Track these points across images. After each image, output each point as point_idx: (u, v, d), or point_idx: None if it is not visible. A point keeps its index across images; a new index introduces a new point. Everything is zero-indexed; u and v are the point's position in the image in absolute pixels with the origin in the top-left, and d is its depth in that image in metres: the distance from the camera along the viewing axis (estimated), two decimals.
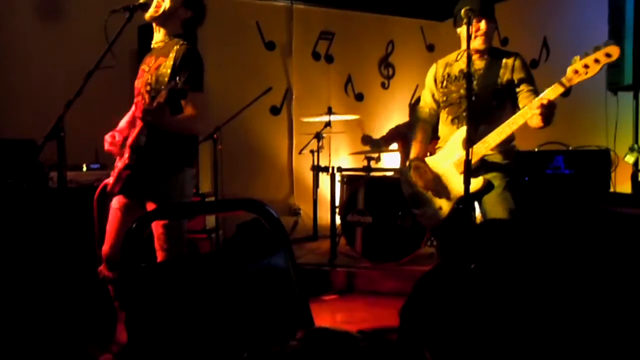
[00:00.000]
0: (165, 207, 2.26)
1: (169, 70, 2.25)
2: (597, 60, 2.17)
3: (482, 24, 2.50)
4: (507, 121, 2.36)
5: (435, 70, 2.70)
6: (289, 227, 5.26)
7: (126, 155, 2.30)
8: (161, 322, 1.27)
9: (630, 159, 3.47)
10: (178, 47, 2.30)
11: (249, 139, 5.14)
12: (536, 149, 3.77)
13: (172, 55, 2.28)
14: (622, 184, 3.64)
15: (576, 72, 2.20)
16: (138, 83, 2.44)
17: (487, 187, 2.43)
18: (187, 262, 1.77)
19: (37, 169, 3.42)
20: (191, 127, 2.36)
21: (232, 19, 5.01)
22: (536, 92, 2.44)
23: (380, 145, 4.86)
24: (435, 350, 1.19)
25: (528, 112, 2.29)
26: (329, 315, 3.41)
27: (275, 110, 5.42)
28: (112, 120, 4.03)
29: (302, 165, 5.35)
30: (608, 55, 2.16)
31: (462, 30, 2.54)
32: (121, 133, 2.41)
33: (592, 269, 1.33)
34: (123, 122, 2.49)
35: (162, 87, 2.18)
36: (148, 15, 2.35)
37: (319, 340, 1.13)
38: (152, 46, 2.47)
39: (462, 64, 2.54)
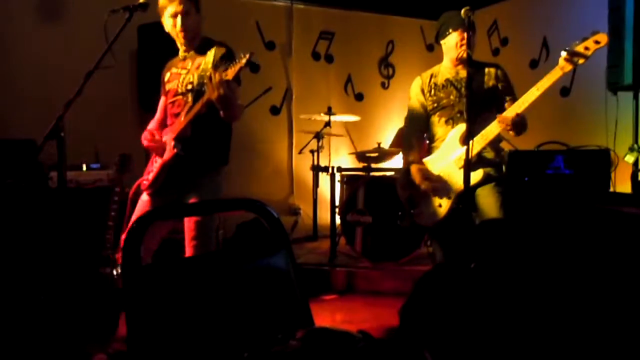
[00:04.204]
0: (165, 207, 2.27)
1: (209, 65, 2.29)
2: (587, 48, 2.33)
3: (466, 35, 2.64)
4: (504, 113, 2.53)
5: (421, 81, 2.86)
6: (289, 227, 5.25)
7: (171, 144, 2.38)
8: (161, 322, 1.27)
9: (630, 158, 3.47)
10: (216, 48, 2.33)
11: (249, 139, 5.13)
12: (536, 149, 3.77)
13: (210, 53, 2.32)
14: (622, 184, 3.64)
15: (568, 60, 2.36)
16: (174, 84, 2.49)
17: (487, 179, 2.60)
18: (187, 262, 1.78)
19: (37, 169, 3.43)
20: (238, 112, 2.44)
21: (232, 19, 5.00)
22: (516, 98, 2.62)
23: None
24: (435, 350, 1.19)
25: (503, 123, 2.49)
26: (329, 315, 3.41)
27: (275, 110, 5.42)
28: (112, 120, 4.03)
29: (302, 165, 5.35)
30: (597, 42, 2.32)
31: (446, 41, 2.72)
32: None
33: (592, 268, 1.33)
34: (152, 125, 2.60)
35: (205, 81, 2.26)
36: (181, 42, 2.46)
37: (319, 340, 1.13)
38: (181, 55, 2.52)
39: (447, 74, 2.77)
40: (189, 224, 2.41)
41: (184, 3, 2.38)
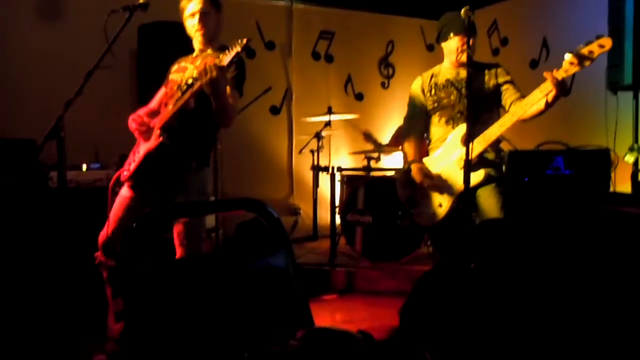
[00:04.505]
0: (165, 208, 2.26)
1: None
2: (591, 52, 2.32)
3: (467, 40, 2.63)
4: (507, 114, 2.55)
5: (422, 81, 2.87)
6: (289, 227, 5.25)
7: (157, 133, 2.34)
8: (161, 322, 1.27)
9: (630, 158, 3.47)
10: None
11: (249, 139, 5.13)
12: (536, 149, 3.76)
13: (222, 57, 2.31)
14: (622, 184, 3.64)
15: (572, 63, 2.34)
16: (177, 76, 2.47)
17: (488, 180, 2.61)
18: (187, 262, 1.78)
19: (37, 169, 3.42)
20: (231, 112, 2.37)
21: (232, 19, 4.98)
22: (520, 91, 2.63)
23: (381, 147, 4.85)
24: (435, 350, 1.19)
25: (540, 94, 2.41)
26: (329, 315, 3.41)
27: (275, 110, 5.42)
28: (112, 120, 4.03)
29: (302, 165, 5.35)
30: (601, 46, 2.31)
31: (447, 45, 2.73)
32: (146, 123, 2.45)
33: (592, 268, 1.34)
34: (142, 111, 2.53)
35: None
36: (198, 41, 2.45)
37: (319, 340, 1.13)
38: (195, 53, 2.52)
39: (447, 74, 2.78)
40: (177, 226, 2.38)
41: (204, 3, 2.40)
